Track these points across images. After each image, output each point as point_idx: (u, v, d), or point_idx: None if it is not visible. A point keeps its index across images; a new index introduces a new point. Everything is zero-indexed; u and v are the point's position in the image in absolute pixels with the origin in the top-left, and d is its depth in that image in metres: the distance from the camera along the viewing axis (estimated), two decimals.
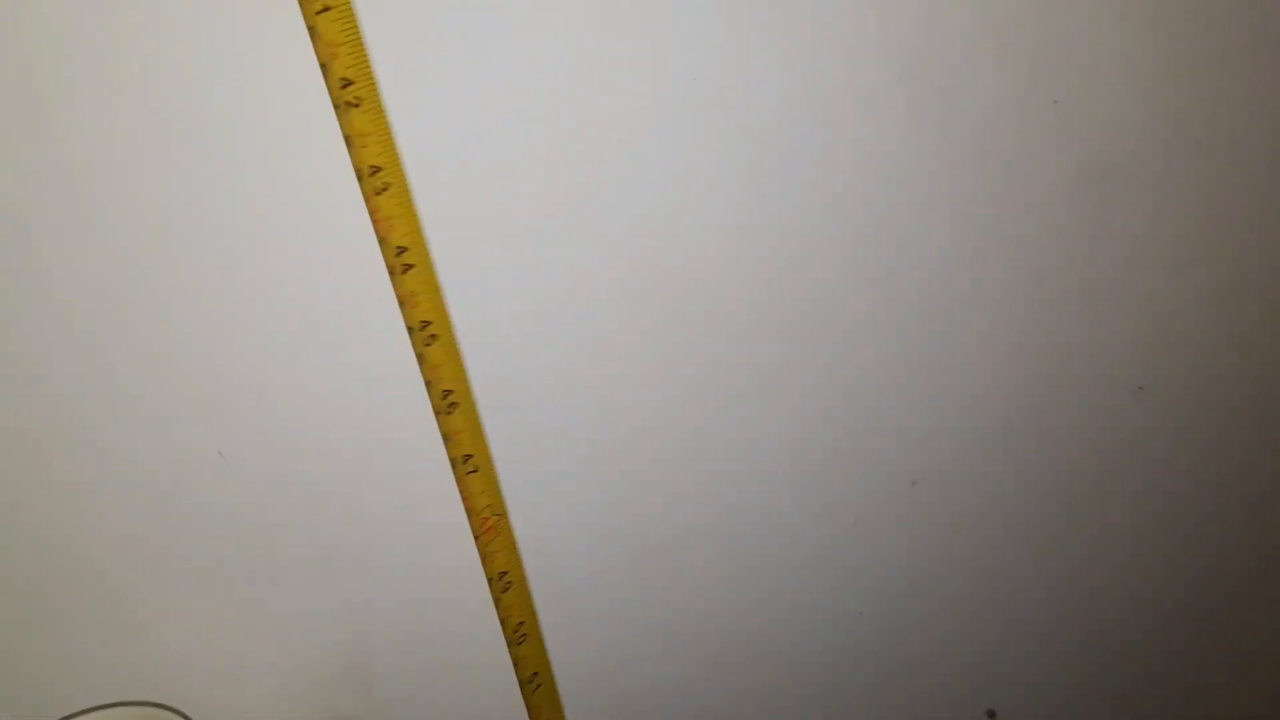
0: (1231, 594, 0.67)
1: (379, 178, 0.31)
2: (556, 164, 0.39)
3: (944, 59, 0.43)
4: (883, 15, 0.42)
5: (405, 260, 0.32)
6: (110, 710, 0.41)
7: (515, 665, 0.43)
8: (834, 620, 0.57)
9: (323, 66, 0.31)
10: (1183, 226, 0.52)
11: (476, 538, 0.38)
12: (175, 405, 0.39)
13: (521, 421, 0.42)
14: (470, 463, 0.35)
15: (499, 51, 0.37)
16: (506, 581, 0.38)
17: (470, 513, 0.38)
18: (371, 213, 0.32)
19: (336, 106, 0.30)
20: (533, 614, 0.40)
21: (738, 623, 0.55)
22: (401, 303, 0.32)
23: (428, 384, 0.34)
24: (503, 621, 0.40)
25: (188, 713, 0.41)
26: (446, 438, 0.34)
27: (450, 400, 0.33)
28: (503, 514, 0.37)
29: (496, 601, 0.40)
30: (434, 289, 0.32)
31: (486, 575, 0.39)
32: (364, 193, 0.32)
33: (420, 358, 0.34)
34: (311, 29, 0.29)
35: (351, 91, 0.29)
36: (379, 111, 0.30)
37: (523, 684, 0.45)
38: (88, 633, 0.43)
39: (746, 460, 0.50)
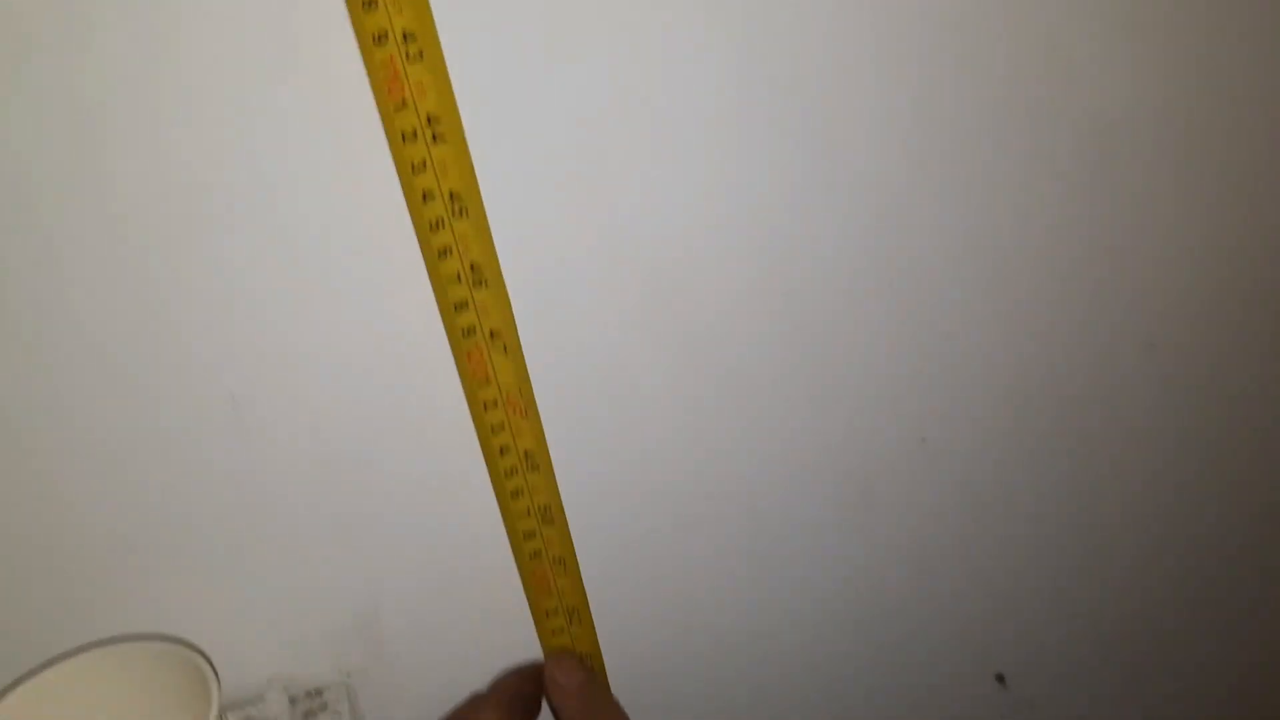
0: (1244, 554, 0.67)
1: (435, 127, 0.31)
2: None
3: (954, 13, 0.43)
4: None
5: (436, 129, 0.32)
6: (124, 644, 0.40)
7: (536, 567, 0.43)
8: (842, 579, 0.57)
9: None
10: (1193, 181, 0.52)
11: (490, 432, 0.38)
12: (189, 351, 0.39)
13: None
14: (499, 341, 0.35)
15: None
16: (533, 464, 0.39)
17: (494, 395, 0.38)
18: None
19: None
20: (557, 497, 0.41)
21: (746, 578, 0.55)
22: (426, 171, 0.32)
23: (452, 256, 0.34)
24: (526, 510, 0.41)
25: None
26: (478, 311, 0.35)
27: (479, 276, 0.34)
28: (531, 400, 0.37)
29: (519, 486, 0.40)
30: (464, 156, 0.33)
31: (506, 467, 0.40)
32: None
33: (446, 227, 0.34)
34: None
35: None
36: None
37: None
38: (96, 580, 0.42)
39: (754, 417, 0.50)
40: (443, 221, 0.33)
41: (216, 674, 0.39)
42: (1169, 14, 0.47)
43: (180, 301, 0.38)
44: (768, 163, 0.43)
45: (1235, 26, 0.49)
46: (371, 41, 0.29)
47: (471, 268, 0.34)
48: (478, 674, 0.51)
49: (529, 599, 0.44)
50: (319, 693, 0.50)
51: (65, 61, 0.32)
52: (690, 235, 0.43)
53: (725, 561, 0.54)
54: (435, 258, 0.33)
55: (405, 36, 0.30)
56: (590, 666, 0.48)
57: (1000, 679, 0.66)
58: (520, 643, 0.49)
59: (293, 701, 0.49)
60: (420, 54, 0.30)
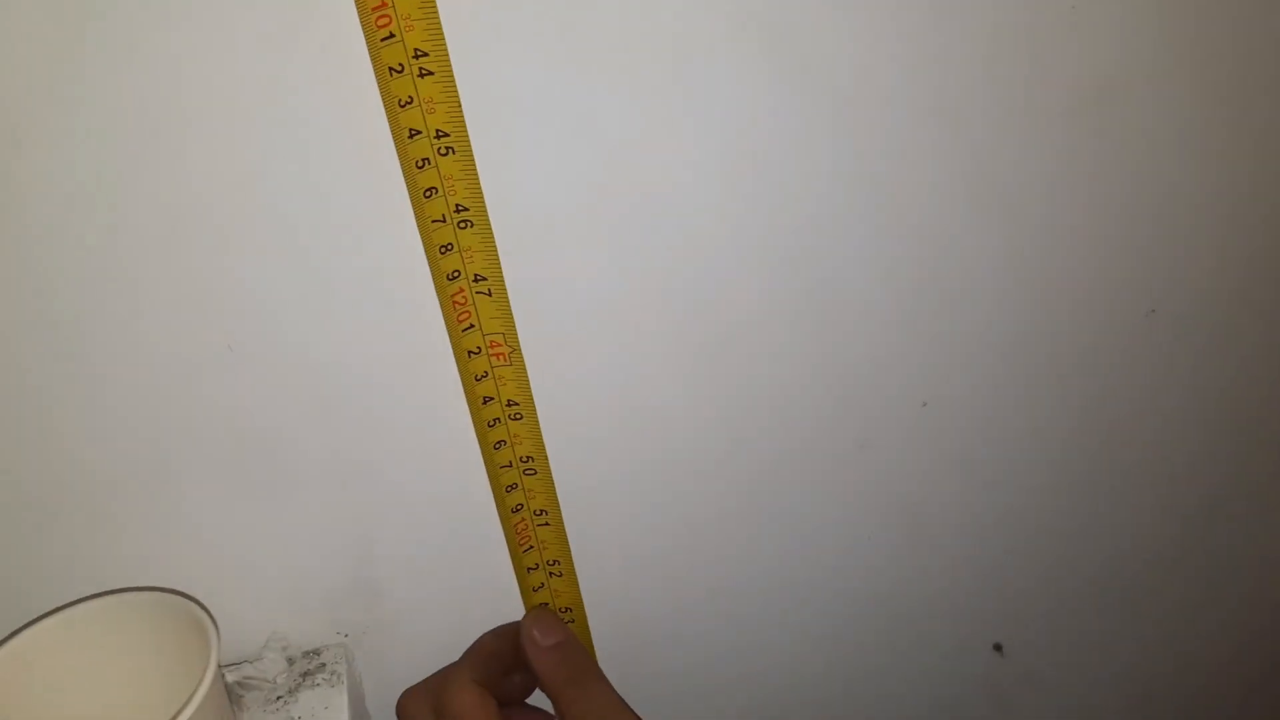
0: (1246, 522, 0.67)
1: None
2: None
3: None
4: None
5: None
6: (122, 595, 0.41)
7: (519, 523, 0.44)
8: (839, 544, 0.57)
9: None
10: (1196, 144, 0.51)
11: (474, 380, 0.39)
12: (184, 296, 0.39)
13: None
14: (483, 284, 0.36)
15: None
16: (515, 412, 0.39)
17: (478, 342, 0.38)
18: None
19: None
20: (542, 449, 0.41)
21: (743, 541, 0.55)
22: (413, 107, 0.33)
23: (439, 195, 0.34)
24: (509, 461, 0.41)
25: None
26: (463, 252, 0.35)
27: (464, 217, 0.34)
28: (516, 348, 0.38)
29: (502, 436, 0.40)
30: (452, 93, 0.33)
31: (489, 417, 0.40)
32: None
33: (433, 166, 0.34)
34: None
35: None
36: None
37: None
38: (93, 530, 0.42)
39: (753, 377, 0.50)
40: (428, 161, 0.33)
41: (216, 625, 0.40)
42: None
43: (179, 244, 0.38)
44: (772, 122, 0.43)
45: None
46: None
47: (457, 208, 0.34)
48: (475, 633, 0.51)
49: (511, 553, 0.44)
50: (317, 653, 0.50)
51: None
52: (686, 177, 0.43)
53: (716, 519, 0.54)
54: (420, 197, 0.34)
55: None
56: (567, 625, 0.47)
57: (998, 648, 0.65)
58: (518, 601, 0.49)
59: (290, 662, 0.49)
60: None
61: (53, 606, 0.41)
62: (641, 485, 0.51)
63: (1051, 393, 0.57)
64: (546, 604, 0.46)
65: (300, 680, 0.48)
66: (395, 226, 0.38)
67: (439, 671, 0.45)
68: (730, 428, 0.51)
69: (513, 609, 0.49)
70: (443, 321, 0.39)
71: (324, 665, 0.49)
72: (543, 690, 0.44)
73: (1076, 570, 0.64)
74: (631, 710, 0.41)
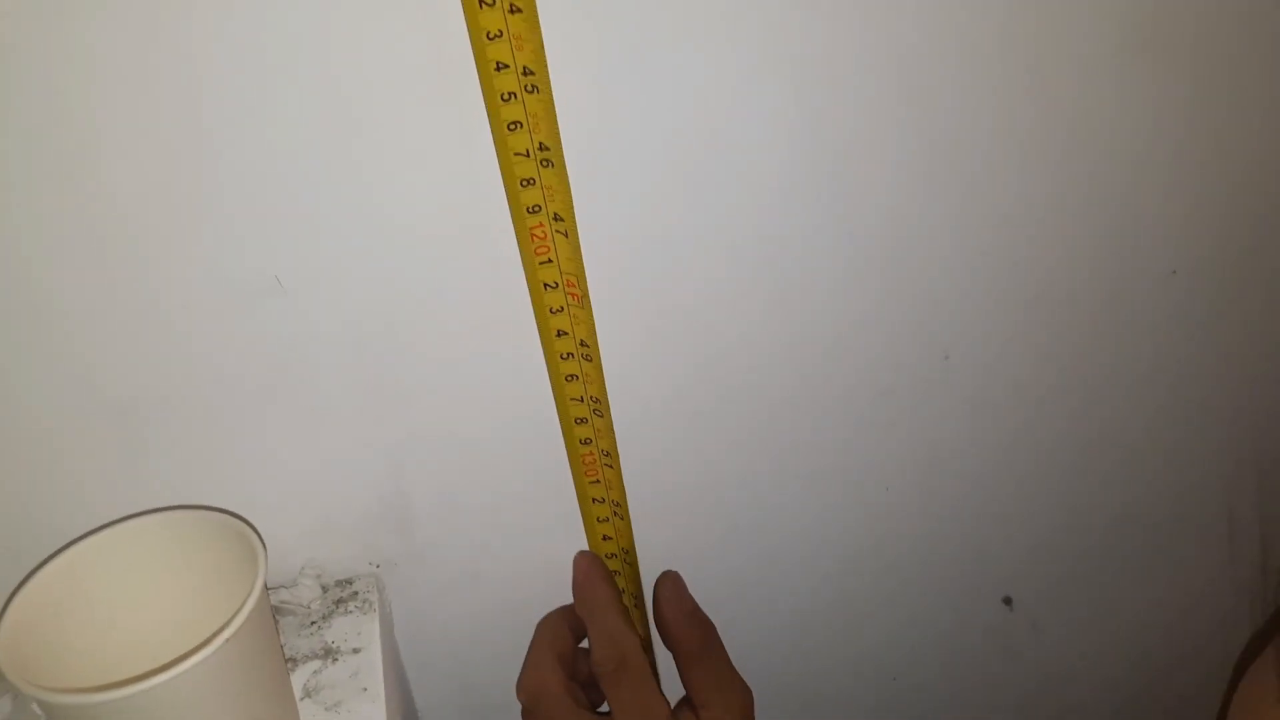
0: (1260, 481, 0.68)
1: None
2: None
3: None
4: None
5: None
6: (170, 512, 0.41)
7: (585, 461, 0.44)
8: (856, 493, 0.58)
9: None
10: (1220, 108, 0.52)
11: (548, 313, 0.39)
12: (237, 225, 0.39)
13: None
14: (560, 225, 0.36)
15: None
16: (586, 353, 0.39)
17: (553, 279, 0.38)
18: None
19: None
20: (606, 395, 0.41)
21: (766, 487, 0.56)
22: (502, 40, 0.32)
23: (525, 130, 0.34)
24: (580, 396, 0.42)
25: None
26: (546, 189, 0.35)
27: (546, 156, 0.34)
28: (586, 293, 0.38)
29: (574, 371, 0.41)
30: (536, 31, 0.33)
31: (562, 350, 0.40)
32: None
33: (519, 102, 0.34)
34: None
35: None
36: None
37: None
38: (133, 452, 0.43)
39: (776, 327, 0.50)
40: (514, 95, 0.33)
41: (264, 544, 0.40)
42: None
43: (234, 176, 0.38)
44: (813, 90, 0.43)
45: None
46: None
47: (540, 146, 0.34)
48: (505, 566, 0.52)
49: (576, 483, 0.45)
50: (349, 582, 0.51)
51: None
52: (741, 139, 0.43)
53: (749, 468, 0.55)
54: (504, 130, 0.34)
55: None
56: (621, 567, 0.49)
57: (1008, 601, 0.67)
58: (549, 533, 0.50)
59: (324, 589, 0.50)
60: None
61: (95, 526, 0.41)
62: (671, 432, 0.52)
63: (1071, 352, 0.58)
64: (672, 570, 0.48)
65: (333, 607, 0.49)
66: (453, 159, 0.39)
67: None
68: (763, 379, 0.52)
69: (546, 538, 0.50)
70: (501, 251, 0.39)
71: (356, 594, 0.50)
72: (674, 653, 0.46)
73: (1086, 525, 0.66)
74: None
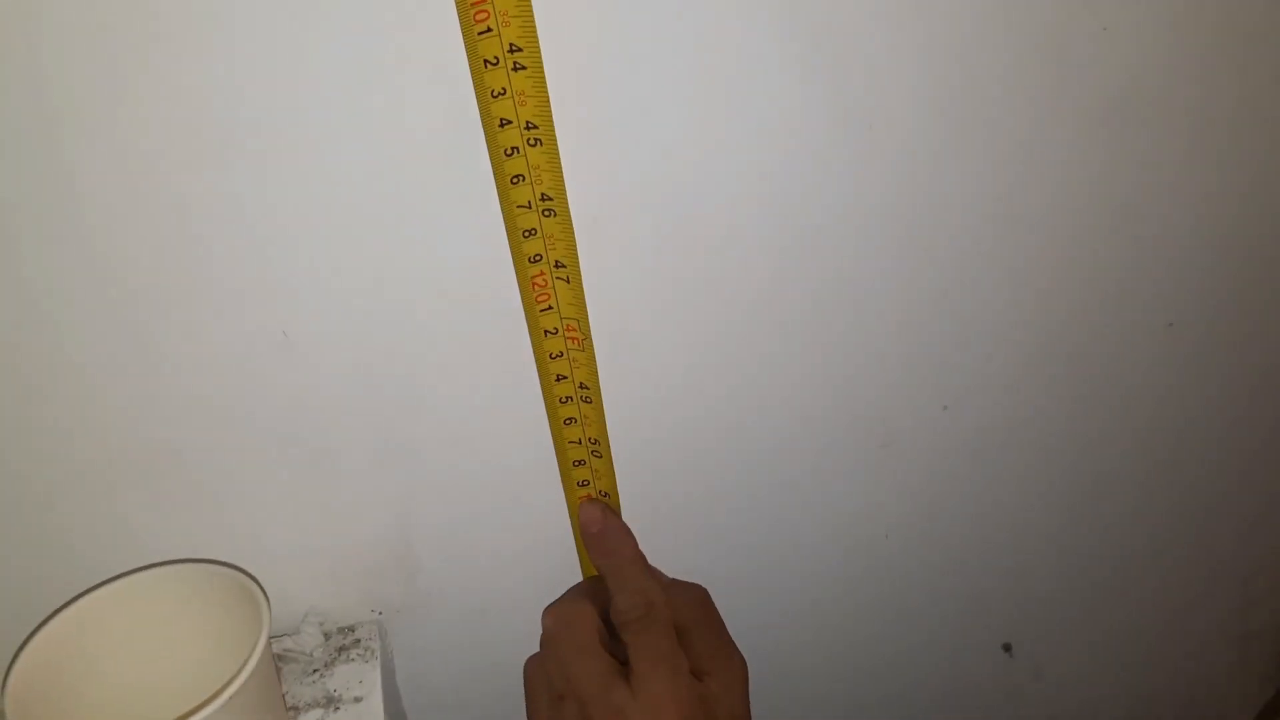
0: (1253, 535, 0.69)
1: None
2: None
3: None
4: None
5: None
6: (177, 566, 0.42)
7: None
8: (857, 541, 0.59)
9: None
10: (1216, 160, 0.53)
11: (548, 358, 0.40)
12: (242, 283, 0.40)
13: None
14: (562, 271, 0.37)
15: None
16: (585, 395, 0.40)
17: (553, 325, 0.39)
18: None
19: None
20: (606, 436, 0.42)
21: (765, 533, 0.56)
22: (505, 98, 0.34)
23: (528, 184, 0.36)
24: (578, 439, 0.42)
25: None
26: (546, 238, 0.36)
27: (548, 206, 0.35)
28: (588, 336, 0.39)
29: (572, 414, 0.42)
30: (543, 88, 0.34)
31: (561, 394, 0.41)
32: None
33: (522, 154, 0.35)
34: None
35: None
36: None
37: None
38: (142, 501, 0.43)
39: (779, 375, 0.51)
40: (517, 149, 0.34)
41: (268, 599, 0.40)
42: None
43: (241, 237, 0.39)
44: (807, 138, 0.44)
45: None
46: None
47: (542, 197, 0.35)
48: (508, 614, 0.52)
49: (574, 527, 0.45)
50: (352, 629, 0.51)
51: None
52: (736, 201, 0.45)
53: (748, 515, 0.55)
54: (507, 184, 0.35)
55: None
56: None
57: (1007, 649, 0.67)
58: (554, 583, 0.50)
59: (326, 637, 0.50)
60: None
61: (105, 577, 0.42)
62: (671, 479, 0.52)
63: (1069, 407, 0.58)
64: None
65: (336, 655, 0.49)
66: (460, 214, 0.40)
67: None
68: (765, 426, 0.52)
69: (539, 596, 0.50)
70: (503, 302, 0.40)
71: (359, 641, 0.50)
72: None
73: (1088, 578, 0.66)
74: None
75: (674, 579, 0.44)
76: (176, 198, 0.37)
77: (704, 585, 0.45)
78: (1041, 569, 0.64)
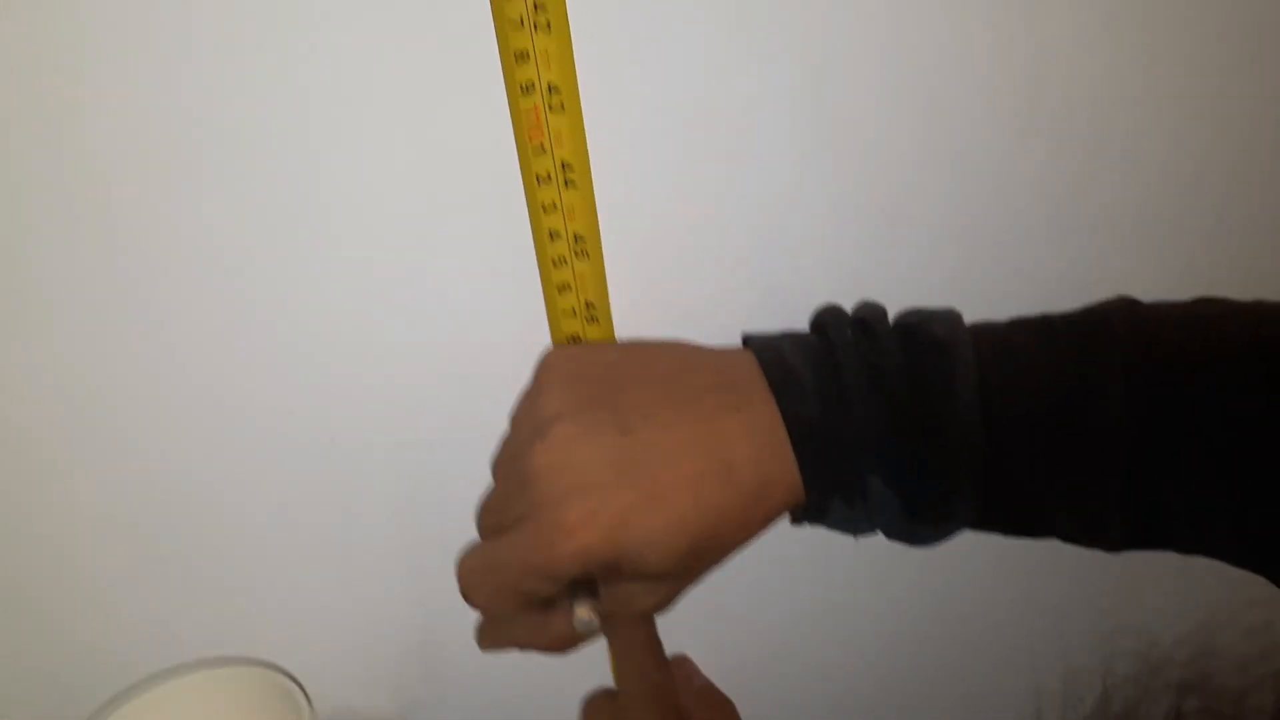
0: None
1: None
2: None
3: None
4: None
5: None
6: (221, 668, 0.42)
7: None
8: (873, 626, 0.59)
9: None
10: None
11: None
12: (287, 388, 0.41)
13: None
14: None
15: None
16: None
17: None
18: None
19: None
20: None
21: (776, 625, 0.57)
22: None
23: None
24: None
25: None
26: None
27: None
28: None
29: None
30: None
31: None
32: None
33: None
34: None
35: None
36: None
37: None
38: (172, 604, 0.44)
39: None
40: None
41: (309, 699, 0.39)
42: None
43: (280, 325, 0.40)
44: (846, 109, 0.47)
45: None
46: None
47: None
48: (526, 714, 0.52)
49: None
50: None
51: None
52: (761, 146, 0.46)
53: (764, 601, 0.56)
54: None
55: None
56: None
57: None
58: (576, 686, 0.50)
59: None
60: None
61: (133, 673, 0.41)
62: None
63: None
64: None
65: None
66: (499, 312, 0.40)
67: None
68: None
69: (564, 704, 0.49)
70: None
71: None
72: None
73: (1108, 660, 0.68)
74: None
75: (699, 688, 0.42)
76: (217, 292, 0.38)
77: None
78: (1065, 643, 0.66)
